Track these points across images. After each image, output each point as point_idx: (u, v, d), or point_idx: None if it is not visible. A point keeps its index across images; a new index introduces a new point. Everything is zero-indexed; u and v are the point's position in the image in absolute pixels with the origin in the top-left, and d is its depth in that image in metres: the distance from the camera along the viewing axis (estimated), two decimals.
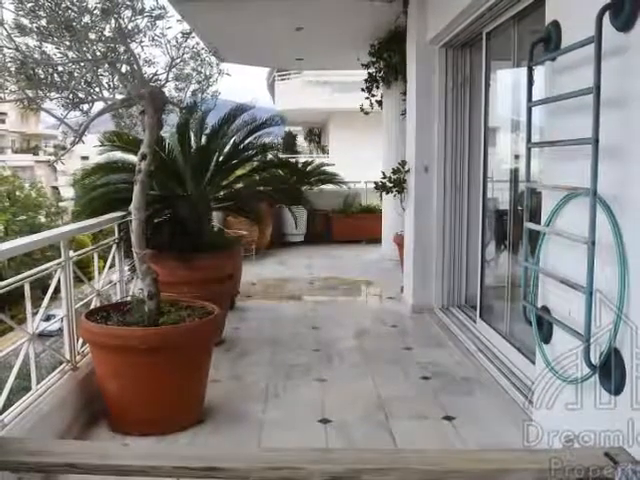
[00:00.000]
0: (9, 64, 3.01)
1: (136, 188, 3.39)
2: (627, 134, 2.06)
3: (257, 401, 3.75)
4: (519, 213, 4.19)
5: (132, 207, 3.43)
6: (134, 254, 3.49)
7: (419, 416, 3.56)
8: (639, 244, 1.99)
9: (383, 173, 6.47)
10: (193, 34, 3.64)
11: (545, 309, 2.70)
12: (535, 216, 2.88)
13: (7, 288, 2.85)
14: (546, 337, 2.66)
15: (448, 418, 3.47)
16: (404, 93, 6.63)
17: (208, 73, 3.79)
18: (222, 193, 5.50)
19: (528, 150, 2.80)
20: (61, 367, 3.45)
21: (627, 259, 2.03)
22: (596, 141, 2.12)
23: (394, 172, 6.23)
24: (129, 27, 3.14)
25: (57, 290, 3.39)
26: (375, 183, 6.72)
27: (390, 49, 7.59)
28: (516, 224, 4.31)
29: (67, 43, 3.06)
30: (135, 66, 3.26)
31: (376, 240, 9.76)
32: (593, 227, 2.14)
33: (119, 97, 3.38)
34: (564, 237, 2.45)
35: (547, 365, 2.55)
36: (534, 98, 2.81)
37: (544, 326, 2.68)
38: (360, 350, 4.82)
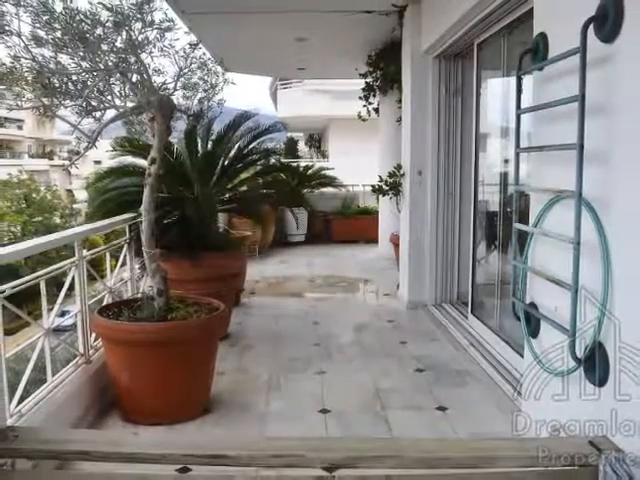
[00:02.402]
0: (26, 74, 3.02)
1: (146, 191, 3.40)
2: (610, 140, 2.05)
3: (260, 392, 3.75)
4: (508, 214, 4.18)
5: (142, 209, 3.43)
6: (144, 253, 3.49)
7: (414, 407, 3.56)
8: (622, 244, 1.99)
9: (380, 177, 6.46)
10: (200, 45, 3.65)
11: (533, 305, 2.70)
12: (524, 217, 2.87)
13: (24, 286, 2.85)
14: (534, 332, 2.66)
15: (441, 408, 3.47)
16: (399, 101, 6.63)
17: (214, 82, 3.80)
18: (227, 195, 5.50)
19: (517, 155, 2.80)
20: (75, 360, 3.45)
21: (610, 258, 2.03)
22: (581, 146, 2.12)
23: (390, 176, 6.23)
24: (139, 39, 3.15)
25: (71, 287, 3.40)
26: (372, 186, 6.71)
27: (386, 59, 7.59)
28: (506, 225, 4.31)
29: (81, 54, 3.07)
30: (145, 75, 3.27)
31: (373, 240, 9.76)
32: (578, 228, 2.14)
33: (130, 105, 3.38)
34: (551, 237, 2.45)
35: (535, 358, 2.54)
36: (522, 106, 2.81)
37: (532, 321, 2.68)
38: (358, 344, 4.82)
